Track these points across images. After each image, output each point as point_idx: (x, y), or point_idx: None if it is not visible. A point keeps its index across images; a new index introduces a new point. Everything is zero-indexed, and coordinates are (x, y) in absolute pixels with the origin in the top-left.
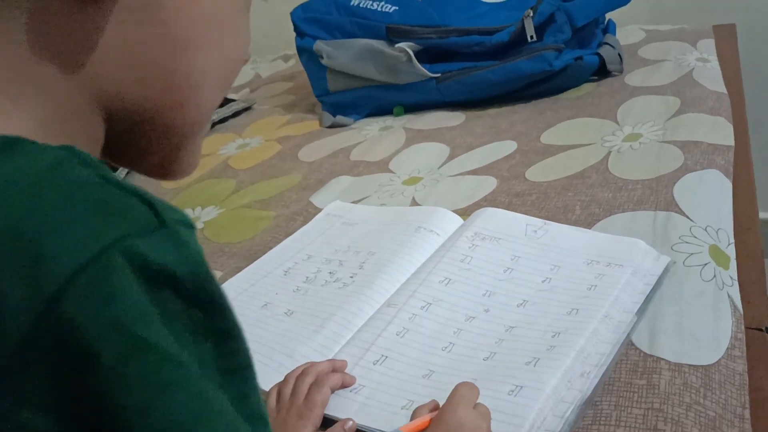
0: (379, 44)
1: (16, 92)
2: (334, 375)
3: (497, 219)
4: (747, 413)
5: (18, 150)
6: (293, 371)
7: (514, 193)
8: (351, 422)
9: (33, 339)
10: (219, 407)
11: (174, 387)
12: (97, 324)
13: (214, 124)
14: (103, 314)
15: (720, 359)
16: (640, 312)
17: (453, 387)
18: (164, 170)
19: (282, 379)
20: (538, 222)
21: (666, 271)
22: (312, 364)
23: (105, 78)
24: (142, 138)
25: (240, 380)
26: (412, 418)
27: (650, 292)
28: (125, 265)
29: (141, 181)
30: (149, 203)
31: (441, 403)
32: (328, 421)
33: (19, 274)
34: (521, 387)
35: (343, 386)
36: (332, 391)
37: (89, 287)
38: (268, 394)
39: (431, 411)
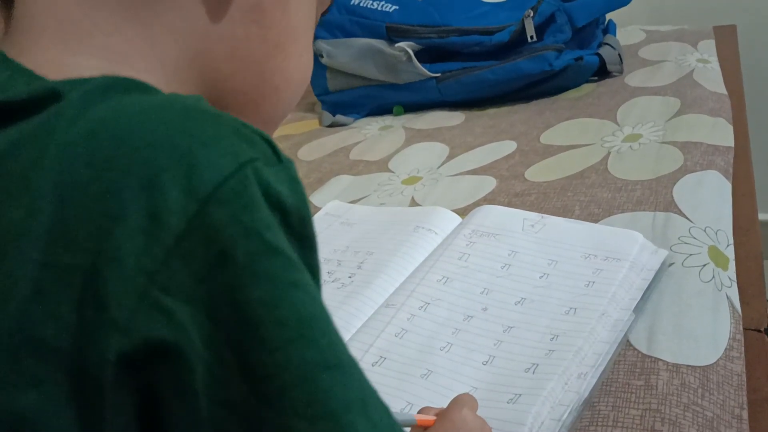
0: (379, 43)
1: (143, 67)
2: None
3: (494, 215)
4: (745, 414)
5: (158, 92)
6: None
7: (514, 193)
8: None
9: (188, 234)
10: (328, 314)
11: (297, 287)
12: (235, 228)
13: None
14: (240, 220)
15: (718, 360)
16: (638, 310)
17: (451, 388)
18: (271, 125)
19: None
20: (535, 216)
21: (664, 265)
22: None
23: (210, 65)
24: None
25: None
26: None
27: (648, 288)
28: (255, 183)
29: None
30: (269, 142)
31: (441, 405)
32: None
33: (177, 179)
34: (520, 395)
35: None
36: None
37: (231, 196)
38: None
39: (436, 414)
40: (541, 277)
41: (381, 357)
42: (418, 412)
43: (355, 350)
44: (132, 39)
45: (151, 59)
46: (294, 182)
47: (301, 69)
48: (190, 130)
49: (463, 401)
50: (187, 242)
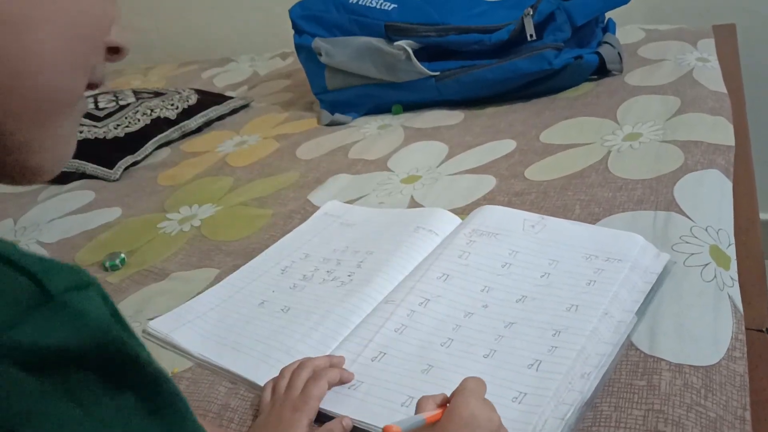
0: (377, 42)
1: None
2: (333, 370)
3: (495, 215)
4: (748, 415)
5: None
6: (289, 366)
7: (513, 192)
8: (347, 419)
9: None
10: None
11: None
12: None
13: (211, 122)
14: None
15: (721, 360)
16: (640, 312)
17: (452, 382)
18: (26, 171)
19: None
20: (535, 217)
21: (666, 269)
22: (309, 359)
23: None
24: None
25: (168, 416)
26: (418, 407)
27: (650, 291)
28: (4, 363)
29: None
30: (33, 275)
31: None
32: (324, 417)
33: None
34: (525, 394)
35: (341, 382)
36: (330, 387)
37: None
38: (263, 389)
39: (439, 404)
40: (542, 276)
41: (381, 352)
42: (418, 403)
43: (355, 345)
44: None
45: None
46: (77, 316)
47: (61, 33)
48: None
49: (469, 391)
50: None
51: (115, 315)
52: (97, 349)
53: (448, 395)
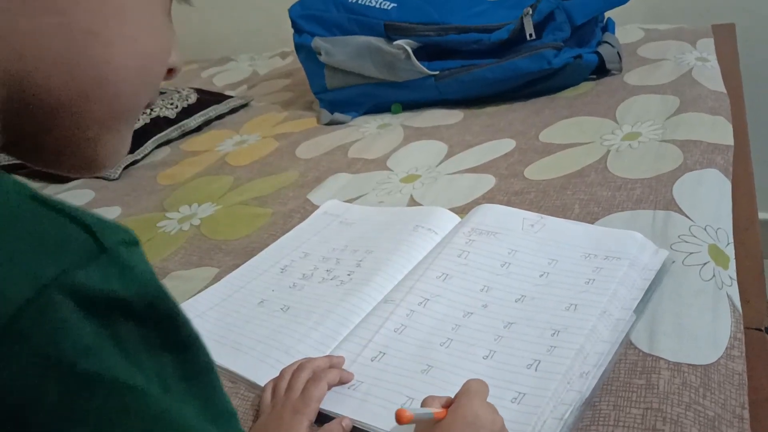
0: (377, 41)
1: None
2: (332, 371)
3: (494, 214)
4: (746, 413)
5: None
6: (289, 366)
7: (513, 191)
8: (347, 420)
9: None
10: (180, 424)
11: (128, 414)
12: (39, 366)
13: (211, 121)
14: (45, 353)
15: (719, 359)
16: (639, 310)
17: (451, 383)
18: (82, 166)
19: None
20: (534, 216)
21: (664, 266)
22: (308, 360)
23: (5, 71)
24: (52, 133)
25: (202, 385)
26: (423, 405)
27: (648, 288)
28: (66, 301)
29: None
30: (88, 228)
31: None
32: (324, 417)
33: None
34: (524, 394)
35: (341, 382)
36: (330, 387)
37: (29, 329)
38: (263, 390)
39: (444, 405)
40: (541, 276)
41: (380, 352)
42: (423, 403)
43: (354, 345)
44: None
45: None
46: (126, 269)
47: (139, 51)
48: None
49: (473, 392)
50: None
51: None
52: (143, 303)
53: (451, 397)
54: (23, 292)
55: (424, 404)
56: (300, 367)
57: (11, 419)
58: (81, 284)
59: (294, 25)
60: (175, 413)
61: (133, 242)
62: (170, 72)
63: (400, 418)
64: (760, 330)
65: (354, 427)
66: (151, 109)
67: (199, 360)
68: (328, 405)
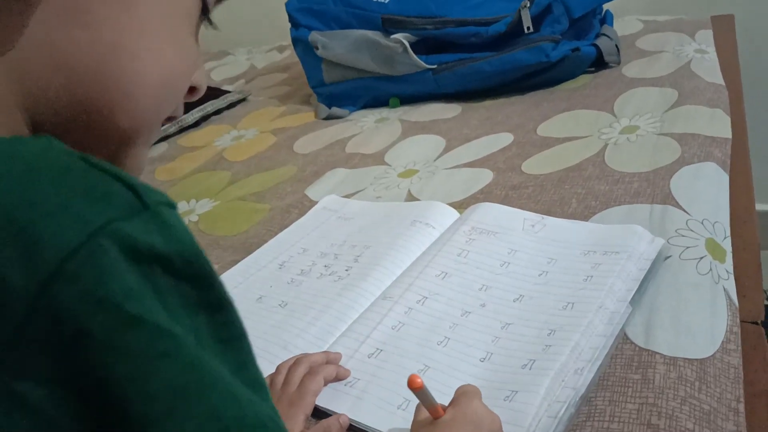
0: (374, 35)
1: None
2: (329, 366)
3: (494, 213)
4: (742, 407)
5: None
6: (285, 362)
7: (510, 185)
8: (344, 417)
9: (31, 318)
10: (214, 376)
11: (166, 357)
12: (88, 304)
13: (209, 116)
14: (93, 294)
15: (715, 353)
16: (634, 302)
17: (447, 385)
18: None
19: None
20: (535, 217)
21: (660, 255)
22: (305, 355)
23: (30, 78)
24: (76, 144)
25: (236, 349)
26: (418, 408)
27: (644, 278)
28: (113, 248)
29: None
30: (132, 187)
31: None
32: (321, 414)
33: (17, 259)
34: (516, 392)
35: (338, 379)
36: (326, 383)
37: (79, 270)
38: None
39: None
40: (540, 275)
41: (377, 349)
42: (416, 408)
43: (352, 341)
44: None
45: None
46: (166, 226)
47: (164, 66)
48: (31, 198)
49: (471, 393)
50: (32, 326)
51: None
52: (181, 260)
53: (446, 404)
54: (75, 237)
55: (417, 410)
56: (297, 362)
57: (65, 348)
58: (126, 234)
59: (291, 18)
60: (211, 365)
61: (172, 205)
62: (192, 91)
63: (412, 383)
64: (757, 324)
65: (351, 426)
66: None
67: (234, 324)
68: (325, 402)
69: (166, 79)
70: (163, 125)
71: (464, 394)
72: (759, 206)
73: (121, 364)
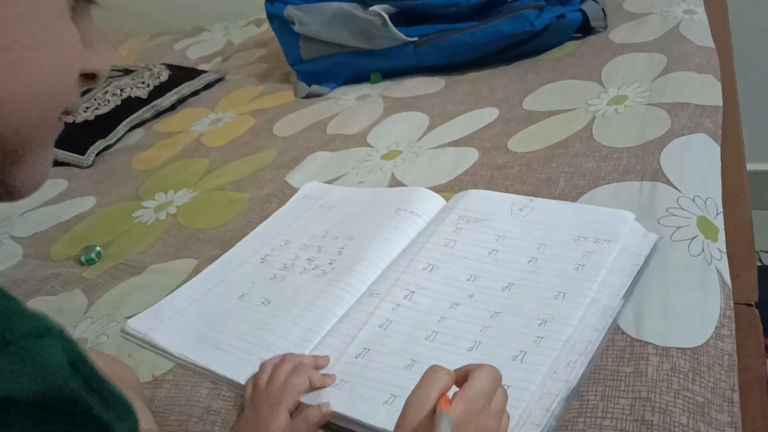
0: (352, 8)
1: None
2: (315, 372)
3: (481, 200)
4: (736, 396)
5: None
6: (270, 360)
7: (496, 166)
8: (326, 405)
9: None
10: None
11: None
12: None
13: (185, 98)
14: None
15: (708, 339)
16: (627, 295)
17: None
18: (2, 194)
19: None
20: (523, 200)
21: (654, 250)
22: (292, 354)
23: None
24: None
25: None
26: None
27: (638, 273)
28: None
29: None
30: None
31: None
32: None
33: None
34: (508, 386)
35: (323, 386)
36: (312, 388)
37: None
38: (244, 386)
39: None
40: (529, 262)
41: (364, 349)
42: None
43: (338, 342)
44: None
45: None
46: (29, 365)
47: (39, 71)
48: None
49: (488, 393)
50: None
51: (77, 363)
52: (49, 396)
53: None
54: None
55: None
56: (282, 359)
57: None
58: None
59: None
60: None
61: (42, 333)
62: (92, 77)
63: (443, 404)
64: (750, 305)
65: (339, 427)
66: (122, 90)
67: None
68: (310, 399)
69: (44, 82)
70: (61, 118)
71: (477, 396)
72: (750, 166)
73: None
